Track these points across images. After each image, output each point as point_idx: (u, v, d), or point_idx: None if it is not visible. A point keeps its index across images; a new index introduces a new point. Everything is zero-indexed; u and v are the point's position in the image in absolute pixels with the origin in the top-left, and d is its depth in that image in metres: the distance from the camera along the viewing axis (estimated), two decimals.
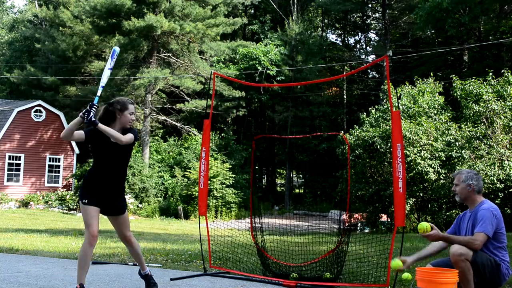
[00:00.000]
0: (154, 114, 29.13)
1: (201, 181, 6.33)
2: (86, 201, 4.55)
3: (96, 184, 4.62)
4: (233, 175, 25.86)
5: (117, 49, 4.94)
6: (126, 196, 5.05)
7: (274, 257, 6.53)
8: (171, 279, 5.60)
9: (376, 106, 18.43)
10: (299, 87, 31.51)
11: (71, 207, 25.35)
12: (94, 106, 4.46)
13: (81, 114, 4.43)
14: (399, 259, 4.35)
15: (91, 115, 4.38)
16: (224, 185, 25.07)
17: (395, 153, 4.89)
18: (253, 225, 6.66)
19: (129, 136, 4.55)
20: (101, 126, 4.43)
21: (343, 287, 5.48)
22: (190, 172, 25.33)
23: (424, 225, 4.22)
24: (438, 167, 15.36)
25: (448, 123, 16.13)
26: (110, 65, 4.81)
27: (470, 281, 4.07)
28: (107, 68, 4.80)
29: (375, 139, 15.99)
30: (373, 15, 39.84)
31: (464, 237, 4.23)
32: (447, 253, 4.27)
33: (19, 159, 26.81)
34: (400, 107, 17.00)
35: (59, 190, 27.42)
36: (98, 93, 4.65)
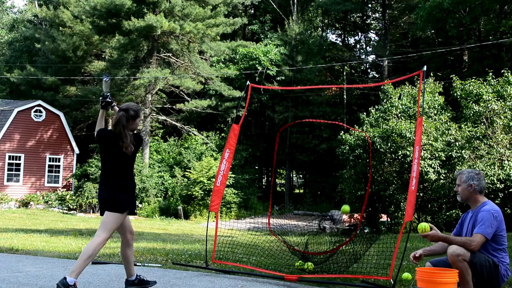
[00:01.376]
0: (154, 114, 29.14)
1: (218, 179, 6.47)
2: (99, 212, 4.89)
3: (101, 188, 4.82)
4: (233, 175, 25.86)
5: (107, 78, 5.28)
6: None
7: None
8: (173, 263, 5.64)
9: (376, 106, 18.42)
10: (299, 87, 31.51)
11: (71, 207, 25.36)
12: (107, 96, 5.01)
13: (100, 104, 5.01)
14: (428, 225, 4.32)
15: (107, 97, 4.96)
16: (225, 182, 25.05)
17: (414, 154, 5.23)
18: (271, 222, 6.79)
19: (132, 149, 4.82)
20: (116, 108, 4.95)
21: (345, 279, 5.48)
22: (190, 172, 25.33)
23: (423, 225, 4.23)
24: (438, 167, 15.36)
25: (448, 123, 16.13)
26: (105, 90, 5.17)
27: (469, 281, 4.07)
28: (105, 87, 5.19)
29: (375, 139, 15.98)
30: (373, 15, 39.84)
31: (462, 238, 4.23)
32: (445, 253, 4.27)
33: (19, 159, 26.82)
34: (400, 107, 17.00)
35: (59, 190, 27.43)
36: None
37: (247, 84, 6.99)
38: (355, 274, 6.06)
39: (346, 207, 5.16)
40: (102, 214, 4.79)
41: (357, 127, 17.62)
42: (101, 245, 4.64)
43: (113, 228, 4.70)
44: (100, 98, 5.00)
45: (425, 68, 5.58)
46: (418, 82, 17.87)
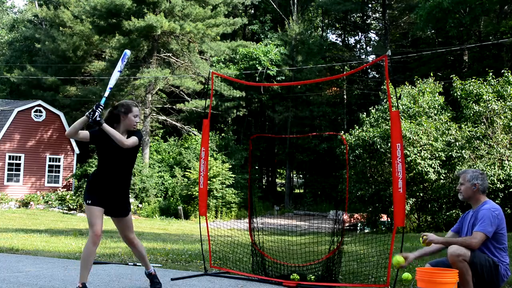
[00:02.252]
0: (154, 114, 29.14)
1: (201, 181, 6.32)
2: (90, 201, 4.58)
3: (100, 185, 4.66)
4: (233, 175, 25.86)
5: (128, 52, 5.00)
6: None
7: (273, 257, 6.51)
8: (172, 279, 5.60)
9: (376, 106, 18.42)
10: (299, 86, 31.50)
11: (71, 207, 25.35)
12: (100, 106, 4.49)
13: (86, 113, 4.47)
14: (400, 256, 4.36)
15: (96, 115, 4.41)
16: (224, 185, 25.08)
17: (394, 153, 4.86)
18: (252, 225, 6.63)
19: (132, 140, 4.59)
20: (105, 126, 4.45)
21: (343, 287, 5.48)
22: (190, 172, 25.33)
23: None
24: (438, 167, 15.36)
25: (448, 123, 16.13)
26: (120, 68, 4.86)
27: (469, 282, 4.07)
28: (116, 71, 4.85)
29: (375, 139, 15.98)
30: (373, 15, 39.84)
31: (462, 238, 4.23)
32: (445, 254, 4.26)
33: (19, 159, 26.82)
34: (400, 107, 16.99)
35: (59, 190, 27.43)
36: (105, 94, 4.68)
37: (209, 71, 6.85)
38: (355, 275, 6.05)
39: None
40: (99, 206, 4.61)
41: (356, 127, 17.61)
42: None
43: (90, 221, 4.60)
44: (93, 107, 4.48)
45: (389, 52, 5.18)
46: (417, 82, 17.89)
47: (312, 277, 5.82)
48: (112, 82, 4.81)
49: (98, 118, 4.42)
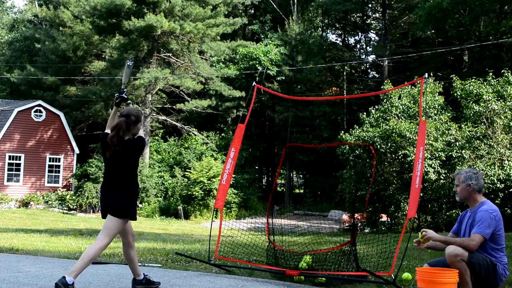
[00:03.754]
0: (154, 114, 29.14)
1: (224, 178, 6.57)
2: (102, 216, 4.88)
3: (102, 191, 4.87)
4: (233, 175, 25.83)
5: (131, 63, 5.33)
6: None
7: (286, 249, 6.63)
8: (176, 253, 5.66)
9: (376, 106, 18.42)
10: (299, 87, 31.52)
11: (71, 207, 25.36)
12: (124, 91, 5.04)
13: (115, 100, 5.03)
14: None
15: (123, 94, 4.99)
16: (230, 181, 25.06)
17: (417, 154, 5.48)
18: (269, 226, 6.79)
19: (143, 134, 4.94)
20: (130, 105, 5.03)
21: (347, 275, 5.48)
22: (190, 172, 25.33)
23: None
24: (438, 167, 15.36)
25: (448, 123, 16.13)
26: (128, 70, 5.25)
27: (468, 281, 4.08)
28: (126, 75, 5.24)
29: (375, 139, 15.98)
30: (373, 15, 39.84)
31: (460, 239, 4.23)
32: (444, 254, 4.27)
33: (19, 159, 26.82)
34: (400, 107, 16.99)
35: (59, 190, 27.43)
36: (123, 87, 5.14)
37: (253, 85, 7.04)
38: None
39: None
40: (104, 217, 4.79)
41: (356, 127, 17.61)
42: (102, 249, 4.69)
43: (115, 233, 4.76)
44: (116, 94, 5.02)
45: (426, 75, 5.75)
46: (419, 86, 17.87)
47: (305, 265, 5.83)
48: (125, 80, 5.25)
49: (125, 96, 4.99)
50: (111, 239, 4.73)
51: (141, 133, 4.88)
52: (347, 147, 17.36)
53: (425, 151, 15.36)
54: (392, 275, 5.06)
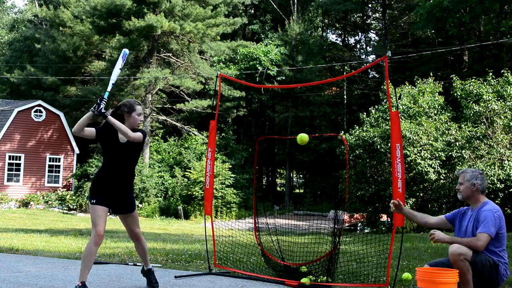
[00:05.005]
0: (154, 114, 29.14)
1: (207, 181, 6.38)
2: (94, 201, 4.62)
3: (105, 183, 4.69)
4: (233, 175, 25.86)
5: (127, 51, 5.07)
6: None
7: (276, 258, 6.52)
8: (176, 277, 5.64)
9: (376, 106, 18.42)
10: (299, 87, 31.50)
11: (71, 207, 25.36)
12: (104, 99, 4.55)
13: (91, 108, 4.52)
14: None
15: (101, 107, 4.47)
16: (224, 185, 25.07)
17: (394, 153, 4.89)
18: (257, 225, 6.65)
19: (138, 134, 4.62)
20: (111, 119, 4.50)
21: (343, 287, 5.48)
22: (190, 172, 25.33)
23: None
24: (438, 167, 15.36)
25: (448, 123, 16.13)
26: (120, 65, 4.94)
27: (469, 281, 4.07)
28: (117, 68, 4.91)
29: (375, 139, 15.98)
30: (373, 15, 39.84)
31: (467, 238, 4.22)
32: (446, 254, 4.26)
33: (19, 159, 26.82)
34: (400, 107, 16.98)
35: (59, 190, 27.43)
36: (108, 89, 4.76)
37: (216, 74, 6.90)
38: (355, 275, 6.05)
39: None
40: (103, 205, 4.64)
41: (356, 127, 17.61)
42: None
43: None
44: (98, 99, 4.54)
45: (389, 53, 5.19)
46: (417, 82, 17.88)
47: (312, 278, 5.81)
48: (113, 78, 4.86)
49: (103, 110, 4.47)
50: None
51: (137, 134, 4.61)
52: (346, 148, 17.34)
53: (425, 151, 15.38)
54: (389, 287, 5.04)
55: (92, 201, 4.63)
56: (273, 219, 22.99)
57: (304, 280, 5.68)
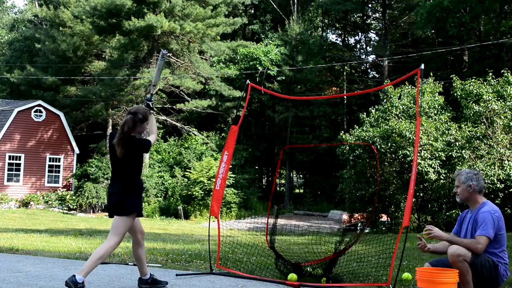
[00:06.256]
0: (154, 114, 29.11)
1: (217, 183, 6.36)
2: (108, 215, 4.91)
3: (109, 191, 4.90)
4: (233, 175, 25.86)
5: (165, 51, 5.56)
6: None
7: (287, 257, 6.52)
8: (177, 275, 5.64)
9: (376, 106, 18.42)
10: (299, 87, 31.51)
11: (71, 207, 25.36)
12: (151, 100, 5.25)
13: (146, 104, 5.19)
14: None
15: (151, 103, 5.19)
16: (224, 185, 25.06)
17: (415, 157, 5.10)
18: (269, 226, 6.66)
19: (153, 138, 5.00)
20: (153, 116, 5.09)
21: (344, 287, 5.47)
22: (190, 172, 25.33)
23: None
24: (438, 167, 15.36)
25: (448, 123, 16.13)
26: (161, 66, 5.53)
27: (469, 281, 4.07)
28: (158, 70, 5.48)
29: (375, 139, 15.97)
30: (373, 15, 39.85)
31: (467, 240, 4.21)
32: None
33: (19, 159, 26.82)
34: (400, 107, 16.99)
35: (59, 190, 27.43)
36: (152, 91, 5.43)
37: (246, 83, 6.88)
38: (355, 275, 6.05)
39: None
40: (111, 216, 4.83)
41: (356, 127, 17.61)
42: (113, 249, 4.73)
43: (124, 232, 4.79)
44: (145, 100, 5.23)
45: (422, 66, 5.34)
46: (417, 81, 17.87)
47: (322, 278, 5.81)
48: (156, 79, 5.54)
49: (151, 104, 5.17)
50: (120, 237, 4.75)
51: (151, 138, 4.95)
52: (347, 147, 17.35)
53: (425, 151, 15.39)
54: (390, 286, 5.04)
55: (109, 215, 4.87)
56: (273, 219, 22.99)
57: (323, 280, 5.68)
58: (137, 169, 4.87)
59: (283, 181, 39.58)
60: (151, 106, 5.14)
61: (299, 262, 6.26)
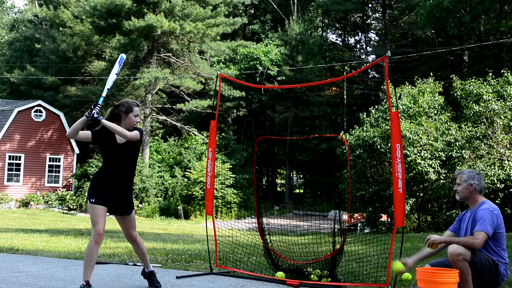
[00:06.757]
0: (154, 114, 29.14)
1: (207, 181, 6.37)
2: (93, 200, 4.64)
3: (105, 184, 4.72)
4: (233, 175, 25.87)
5: (124, 56, 5.09)
6: None
7: (283, 256, 6.52)
8: (177, 277, 5.64)
9: (376, 106, 18.41)
10: (299, 87, 31.50)
11: (71, 207, 25.36)
12: (98, 105, 4.56)
13: (86, 113, 4.53)
14: (400, 262, 4.38)
15: (93, 112, 4.48)
16: (224, 185, 25.08)
17: (394, 153, 4.89)
18: (261, 225, 6.66)
19: (135, 132, 4.64)
20: (104, 122, 4.52)
21: (343, 287, 5.47)
22: (190, 172, 25.34)
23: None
24: (438, 167, 15.35)
25: (448, 123, 16.12)
26: (116, 70, 4.93)
27: (469, 281, 4.07)
28: (113, 73, 4.91)
29: (375, 139, 15.97)
30: (373, 15, 39.85)
31: (464, 238, 4.22)
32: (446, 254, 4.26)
33: (19, 159, 26.82)
34: (400, 107, 16.97)
35: (59, 190, 27.43)
36: (103, 94, 4.74)
37: (216, 74, 6.88)
38: (355, 275, 6.05)
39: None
40: (102, 205, 4.66)
41: (356, 127, 17.60)
42: (94, 241, 4.58)
43: (92, 220, 4.66)
44: (92, 105, 4.59)
45: (389, 53, 5.18)
46: (417, 82, 17.88)
47: (315, 277, 5.81)
48: (109, 83, 4.87)
49: (95, 115, 4.47)
50: (94, 227, 4.60)
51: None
52: (347, 148, 17.33)
53: (425, 151, 15.39)
54: (389, 287, 5.04)
55: (91, 200, 4.65)
56: (273, 219, 22.98)
57: (313, 277, 5.69)
58: (134, 163, 4.89)
59: (283, 181, 39.59)
60: (97, 111, 4.51)
61: (296, 262, 6.27)
